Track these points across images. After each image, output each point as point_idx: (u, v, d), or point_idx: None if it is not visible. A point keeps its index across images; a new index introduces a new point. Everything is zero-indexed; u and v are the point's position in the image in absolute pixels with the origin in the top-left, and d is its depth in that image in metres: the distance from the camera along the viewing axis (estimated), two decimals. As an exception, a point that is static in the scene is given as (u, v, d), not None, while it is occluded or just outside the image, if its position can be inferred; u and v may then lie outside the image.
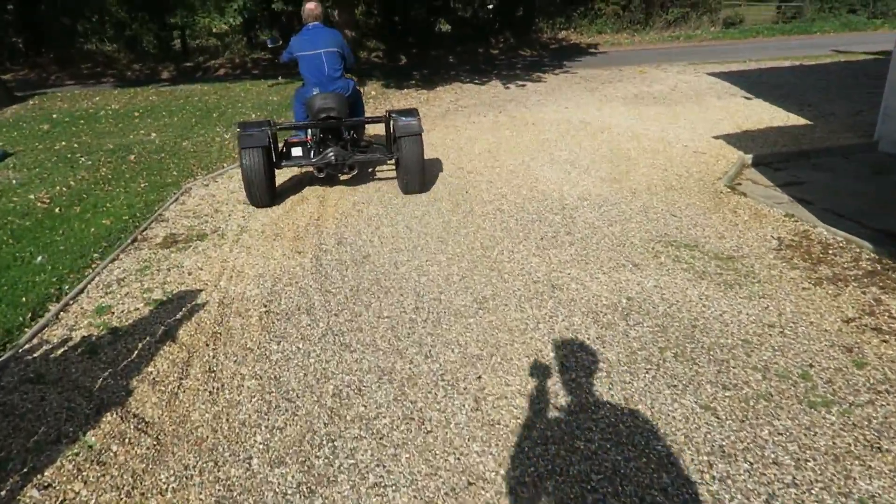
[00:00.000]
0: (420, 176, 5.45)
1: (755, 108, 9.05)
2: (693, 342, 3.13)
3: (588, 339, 3.21)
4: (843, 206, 4.85)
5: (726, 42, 19.79)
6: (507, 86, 12.31)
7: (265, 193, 5.31)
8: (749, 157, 6.31)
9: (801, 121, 8.20)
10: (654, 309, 3.48)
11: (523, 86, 12.26)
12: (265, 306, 3.71)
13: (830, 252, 4.13)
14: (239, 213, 5.42)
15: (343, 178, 6.27)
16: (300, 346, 3.26)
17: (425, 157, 5.62)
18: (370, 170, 6.66)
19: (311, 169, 5.71)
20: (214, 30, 21.11)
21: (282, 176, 6.34)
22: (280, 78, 14.12)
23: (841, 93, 10.01)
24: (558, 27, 21.42)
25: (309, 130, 5.73)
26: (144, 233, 5.03)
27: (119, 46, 19.76)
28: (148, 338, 3.40)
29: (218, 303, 3.78)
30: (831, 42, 18.29)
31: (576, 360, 3.04)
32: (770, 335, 3.17)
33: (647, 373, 2.90)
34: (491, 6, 20.92)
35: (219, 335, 3.40)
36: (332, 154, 5.38)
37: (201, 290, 3.96)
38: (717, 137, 7.37)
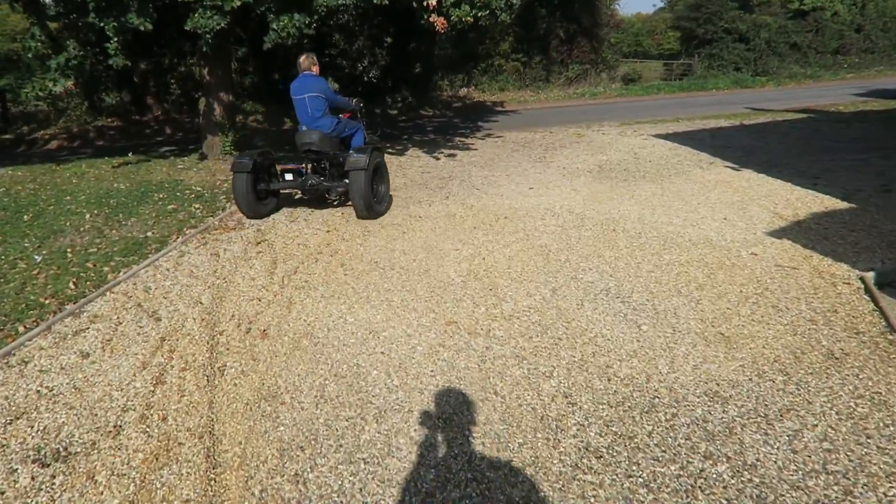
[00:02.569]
0: (365, 203, 6.08)
1: (762, 184, 7.28)
2: None
3: None
4: None
5: (633, 99, 18.98)
6: (434, 155, 9.91)
7: (250, 208, 6.39)
8: (870, 276, 4.24)
9: (836, 201, 6.44)
10: None
11: (453, 155, 9.93)
12: None
13: None
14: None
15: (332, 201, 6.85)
16: None
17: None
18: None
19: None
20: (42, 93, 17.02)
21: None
22: (131, 154, 10.76)
23: (826, 159, 8.60)
24: (458, 84, 19.67)
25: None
26: None
27: None
28: None
29: None
30: (732, 99, 17.95)
31: None
32: None
33: None
34: (384, 62, 18.77)
35: None
36: (310, 181, 6.47)
37: None
38: (774, 235, 5.33)
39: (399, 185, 7.91)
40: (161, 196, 7.69)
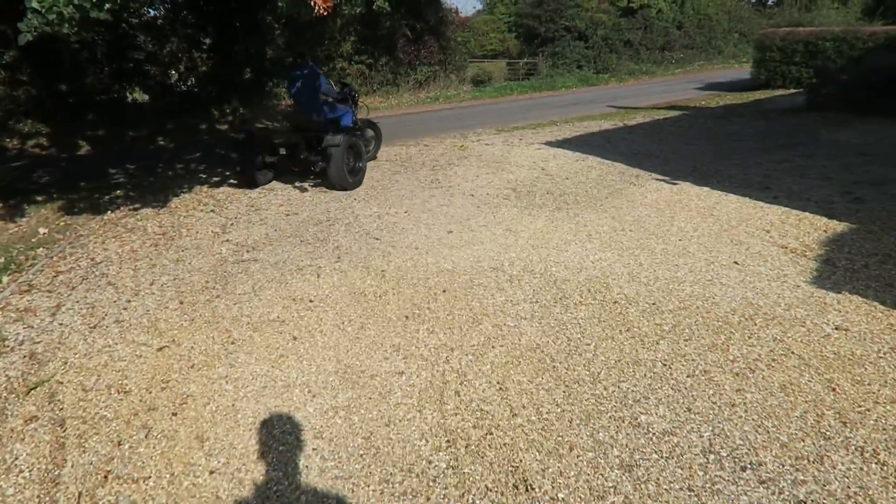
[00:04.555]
0: (338, 175, 7.00)
1: (720, 203, 6.02)
2: None
3: None
4: None
5: (489, 102, 17.76)
6: (296, 186, 7.52)
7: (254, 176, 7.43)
8: None
9: (824, 221, 5.30)
10: None
11: (319, 184, 7.62)
12: None
13: None
14: None
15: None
16: None
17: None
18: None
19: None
20: None
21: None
22: None
23: (750, 162, 7.72)
24: (297, 91, 17.02)
25: None
26: None
27: None
28: None
29: None
30: (586, 97, 17.50)
31: None
32: None
33: None
34: (205, 68, 15.64)
35: None
36: (302, 154, 7.28)
37: None
38: (820, 284, 3.88)
39: (259, 239, 5.50)
40: None
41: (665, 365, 3.02)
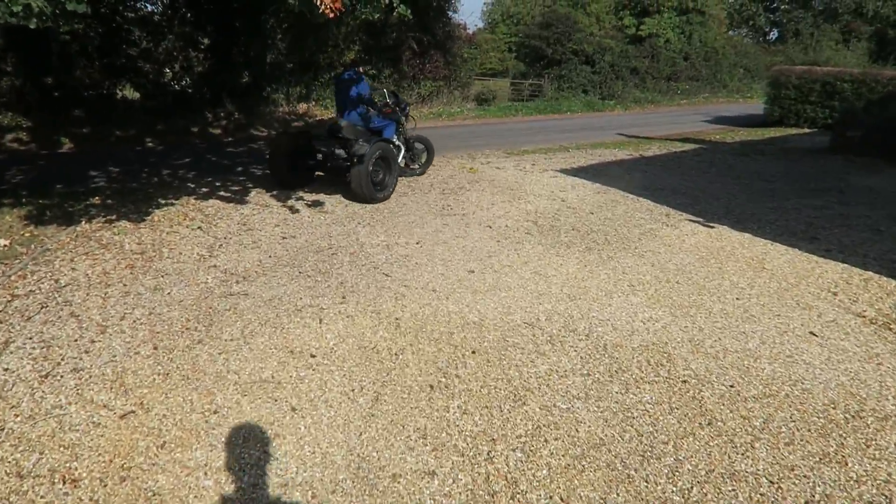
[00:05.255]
0: (360, 190, 6.71)
1: (767, 252, 5.45)
2: None
3: None
4: None
5: (494, 122, 17.22)
6: (291, 206, 6.82)
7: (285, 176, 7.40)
8: None
9: (883, 279, 4.71)
10: None
11: (318, 204, 6.94)
12: None
13: None
14: None
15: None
16: None
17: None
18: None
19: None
20: None
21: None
22: None
23: (788, 206, 7.17)
24: (296, 98, 16.42)
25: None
26: None
27: None
28: None
29: None
30: (594, 123, 17.00)
31: None
32: None
33: None
34: (201, 69, 14.95)
35: None
36: (329, 162, 7.12)
37: None
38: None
39: (251, 267, 4.79)
40: None
41: (772, 483, 2.36)
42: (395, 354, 3.40)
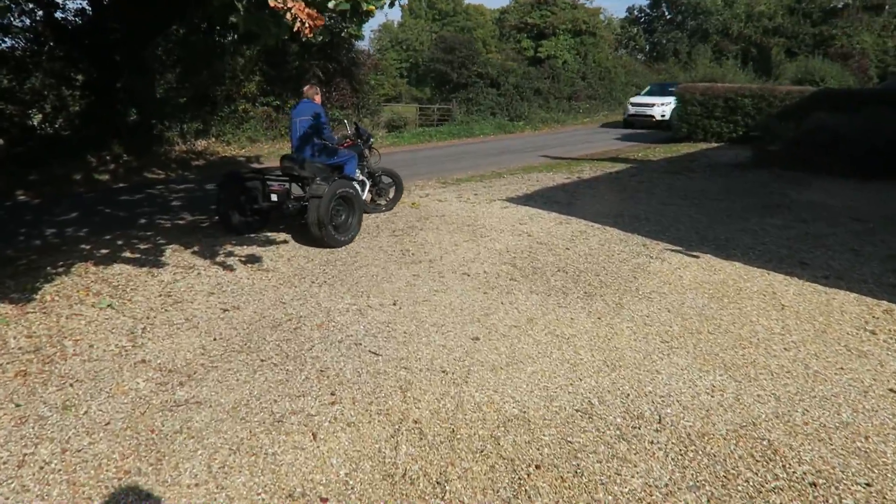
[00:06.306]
0: (319, 235, 5.98)
1: (770, 285, 5.09)
2: None
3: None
4: None
5: (410, 149, 16.55)
6: (224, 263, 5.70)
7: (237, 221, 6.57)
8: None
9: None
10: None
11: (257, 259, 5.87)
12: None
13: None
14: None
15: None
16: None
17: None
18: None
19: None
20: None
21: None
22: None
23: (757, 229, 6.98)
24: (192, 136, 14.91)
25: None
26: None
27: None
28: None
29: None
30: (512, 145, 16.82)
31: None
32: None
33: None
34: (77, 108, 13.14)
35: None
36: (285, 203, 6.44)
37: None
38: None
39: (194, 358, 3.72)
40: None
41: None
42: (437, 484, 2.52)
